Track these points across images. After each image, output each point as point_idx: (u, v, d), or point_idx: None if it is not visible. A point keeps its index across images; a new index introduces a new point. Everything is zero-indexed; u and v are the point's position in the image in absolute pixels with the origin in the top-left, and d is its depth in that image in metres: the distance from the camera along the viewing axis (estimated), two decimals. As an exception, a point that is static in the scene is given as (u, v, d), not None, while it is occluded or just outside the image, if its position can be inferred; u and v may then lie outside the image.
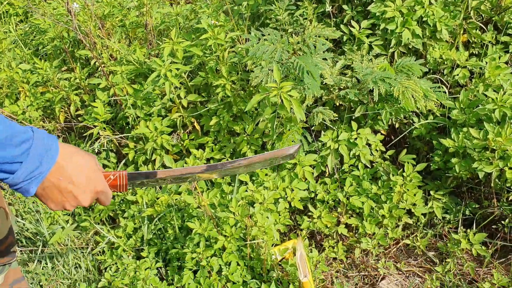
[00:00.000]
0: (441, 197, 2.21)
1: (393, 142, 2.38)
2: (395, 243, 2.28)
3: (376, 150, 2.26)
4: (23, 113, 2.74)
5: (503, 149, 1.98)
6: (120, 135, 2.59)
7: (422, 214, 2.19)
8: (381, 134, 2.32)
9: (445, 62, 2.30)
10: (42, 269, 2.39)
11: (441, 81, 2.32)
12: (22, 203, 2.71)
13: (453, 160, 2.14)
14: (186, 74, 2.44)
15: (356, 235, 2.23)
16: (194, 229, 1.97)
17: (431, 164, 2.27)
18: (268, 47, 2.03)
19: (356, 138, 2.20)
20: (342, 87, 2.23)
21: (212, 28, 2.27)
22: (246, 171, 1.34)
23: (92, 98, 2.74)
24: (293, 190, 2.20)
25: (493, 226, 2.24)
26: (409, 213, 2.19)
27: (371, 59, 2.24)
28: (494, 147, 1.98)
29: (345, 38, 2.35)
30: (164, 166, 2.50)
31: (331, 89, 2.24)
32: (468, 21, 2.31)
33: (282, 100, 1.93)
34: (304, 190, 2.22)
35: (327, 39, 2.18)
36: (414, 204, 2.15)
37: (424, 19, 2.22)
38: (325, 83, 2.22)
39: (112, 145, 2.68)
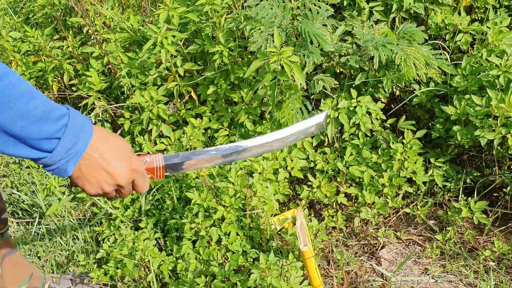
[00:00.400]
0: (441, 165, 2.19)
1: (393, 111, 2.34)
2: (395, 212, 2.27)
3: (376, 118, 2.22)
4: (15, 83, 2.67)
5: (506, 116, 1.94)
6: (115, 105, 2.54)
7: (423, 182, 2.17)
8: (382, 102, 2.28)
9: (447, 27, 2.24)
10: (40, 240, 2.37)
11: (443, 47, 2.27)
12: (17, 174, 2.67)
13: (455, 127, 2.11)
14: (182, 42, 2.38)
15: (356, 204, 2.22)
16: (193, 199, 1.95)
17: (431, 133, 2.24)
18: (268, 11, 1.96)
19: (356, 107, 2.16)
20: (342, 54, 2.17)
21: (208, -7, 2.20)
22: (281, 146, 1.30)
23: (86, 67, 2.68)
24: (292, 160, 2.17)
25: (494, 194, 2.23)
26: (409, 182, 2.17)
27: (371, 25, 2.19)
28: (497, 114, 1.95)
29: (345, 3, 2.29)
30: (161, 136, 2.46)
31: (332, 56, 2.19)
32: (471, -15, 2.25)
33: (282, 66, 1.88)
34: (303, 159, 2.19)
35: (327, 4, 2.12)
36: (415, 173, 2.12)
37: (427, -18, 2.16)
38: (325, 50, 2.16)
39: (107, 116, 2.63)
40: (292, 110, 2.12)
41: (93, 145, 1.00)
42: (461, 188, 2.21)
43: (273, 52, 1.88)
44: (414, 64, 1.98)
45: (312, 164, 2.23)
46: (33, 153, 0.93)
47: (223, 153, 1.25)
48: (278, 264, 1.66)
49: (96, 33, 2.53)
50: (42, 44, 2.69)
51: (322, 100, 2.29)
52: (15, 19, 3.04)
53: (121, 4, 2.92)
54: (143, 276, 2.03)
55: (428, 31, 2.29)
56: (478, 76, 2.08)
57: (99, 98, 2.51)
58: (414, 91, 2.26)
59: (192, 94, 2.38)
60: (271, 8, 2.00)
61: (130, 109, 2.53)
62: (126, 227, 2.18)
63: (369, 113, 2.21)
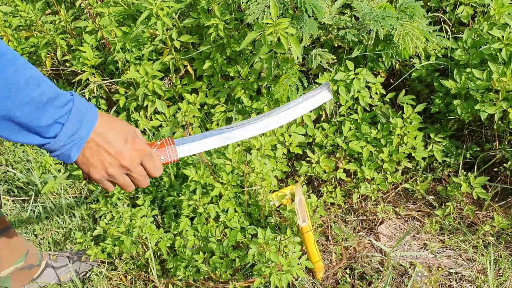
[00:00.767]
0: (441, 140, 2.17)
1: (393, 86, 2.30)
2: (394, 188, 2.25)
3: (376, 93, 2.19)
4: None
5: (507, 90, 1.91)
6: (110, 81, 2.49)
7: (422, 158, 2.15)
8: (381, 76, 2.24)
9: (448, -1, 2.20)
10: (36, 218, 2.35)
11: (443, 20, 2.22)
12: (11, 152, 2.64)
13: (455, 102, 2.08)
14: (177, 15, 2.32)
15: (355, 180, 2.20)
16: (190, 176, 1.92)
17: (431, 108, 2.20)
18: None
19: (353, 79, 2.12)
20: (341, 27, 2.13)
21: (203, -35, 2.14)
22: (292, 117, 1.28)
23: (79, 42, 2.62)
24: (291, 135, 2.14)
25: (494, 169, 2.21)
26: (409, 157, 2.15)
27: (371, -3, 2.13)
28: (498, 88, 1.91)
29: (344, -26, 2.23)
30: (157, 112, 2.42)
31: (330, 29, 2.14)
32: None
33: (278, 38, 1.83)
34: (302, 135, 2.16)
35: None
36: (414, 148, 2.10)
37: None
38: (323, 23, 2.12)
39: (102, 92, 2.59)
40: (289, 86, 2.08)
41: (96, 130, 0.99)
42: (460, 163, 2.19)
43: (269, 23, 1.83)
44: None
45: (310, 139, 2.21)
46: (36, 139, 0.92)
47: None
48: (276, 239, 1.65)
49: (89, 7, 2.46)
50: (33, 19, 2.62)
51: (320, 74, 2.25)
52: (6, -7, 2.97)
53: (114, -23, 2.85)
54: (141, 253, 2.02)
55: (428, 3, 2.24)
56: (479, 50, 2.04)
57: (93, 73, 2.46)
58: (414, 65, 2.22)
59: (188, 68, 2.34)
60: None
61: (125, 84, 2.48)
62: (123, 204, 2.16)
63: (369, 88, 2.18)
